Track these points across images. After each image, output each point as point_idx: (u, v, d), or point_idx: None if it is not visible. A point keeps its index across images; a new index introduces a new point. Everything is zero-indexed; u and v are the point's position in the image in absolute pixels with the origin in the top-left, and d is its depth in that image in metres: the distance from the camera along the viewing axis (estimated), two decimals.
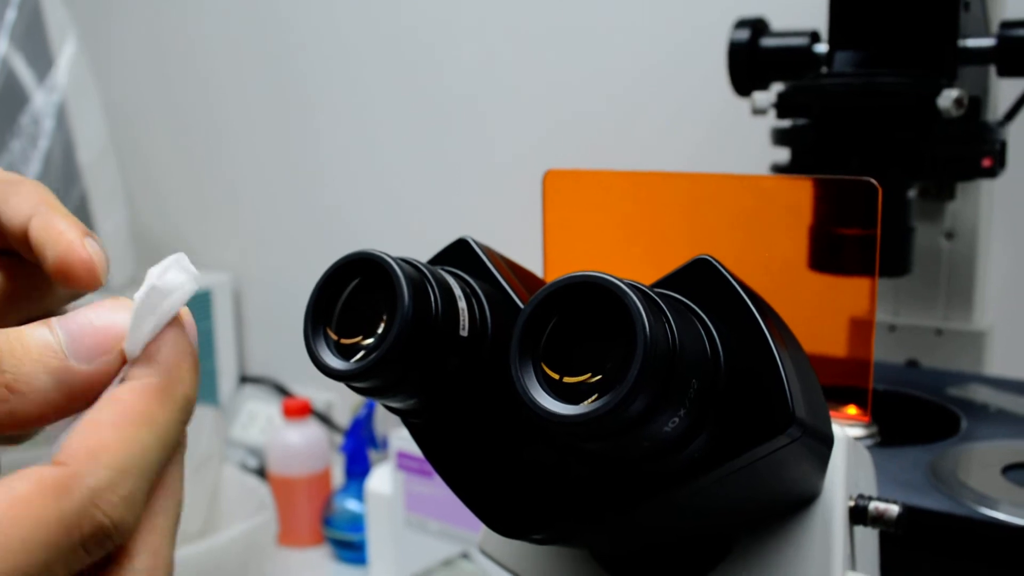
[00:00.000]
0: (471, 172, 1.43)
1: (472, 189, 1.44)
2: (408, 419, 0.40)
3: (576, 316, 0.31)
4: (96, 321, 0.29)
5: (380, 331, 0.34)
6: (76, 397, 0.29)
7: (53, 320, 0.29)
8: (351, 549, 1.25)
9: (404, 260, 0.35)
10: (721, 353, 0.33)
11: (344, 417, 1.53)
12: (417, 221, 1.49)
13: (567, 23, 1.31)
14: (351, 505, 1.26)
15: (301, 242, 1.64)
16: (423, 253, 0.42)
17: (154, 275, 0.30)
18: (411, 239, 1.48)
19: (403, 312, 0.33)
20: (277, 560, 1.21)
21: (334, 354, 0.35)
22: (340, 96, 1.54)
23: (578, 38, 1.30)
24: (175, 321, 0.30)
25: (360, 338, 0.35)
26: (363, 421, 1.33)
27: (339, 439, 1.46)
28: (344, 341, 0.35)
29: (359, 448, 1.30)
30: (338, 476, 1.37)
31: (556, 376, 0.30)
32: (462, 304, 0.36)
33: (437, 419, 0.38)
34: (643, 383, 0.28)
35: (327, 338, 0.35)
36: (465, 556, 1.02)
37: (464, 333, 0.36)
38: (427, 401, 0.37)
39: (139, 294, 0.29)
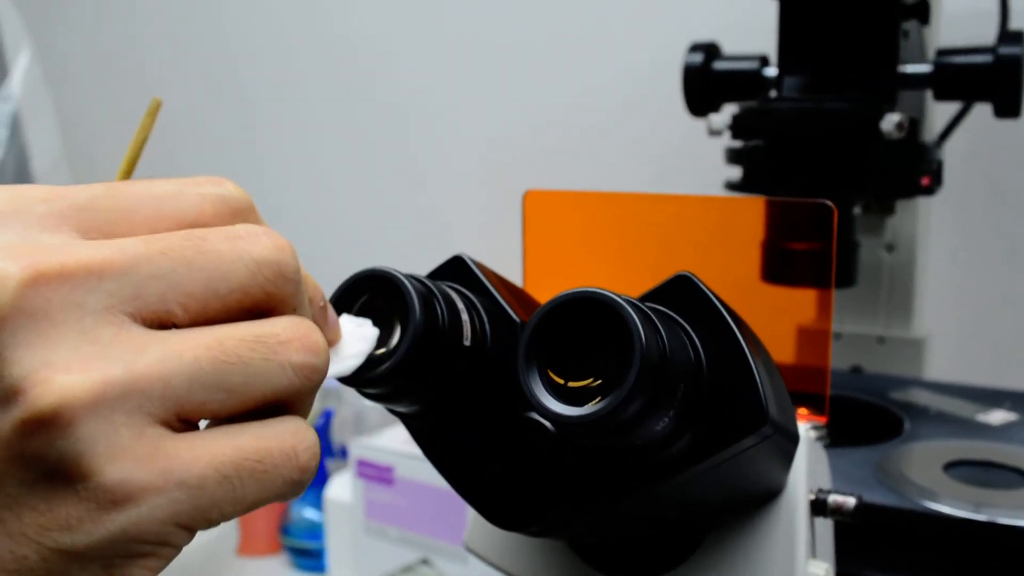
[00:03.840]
0: (437, 188, 1.46)
1: (440, 205, 1.46)
2: (411, 422, 0.43)
3: (575, 327, 0.34)
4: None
5: (392, 341, 0.37)
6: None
7: None
8: (309, 557, 1.27)
9: (411, 276, 0.38)
10: (703, 360, 0.36)
11: None
12: (371, 240, 1.51)
13: (531, 48, 1.34)
14: (308, 513, 1.27)
15: None
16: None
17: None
18: (377, 257, 1.50)
19: (415, 324, 0.36)
20: (234, 569, 1.21)
21: None
22: (299, 112, 1.56)
23: (543, 62, 1.33)
24: None
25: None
26: (320, 431, 1.34)
27: None
28: None
29: None
30: None
31: (561, 381, 0.34)
32: (464, 316, 0.39)
33: (440, 422, 0.41)
34: (640, 387, 0.32)
35: None
36: (425, 562, 1.04)
37: (467, 343, 0.39)
38: (431, 405, 0.40)
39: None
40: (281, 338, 0.28)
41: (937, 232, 1.06)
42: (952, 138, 0.92)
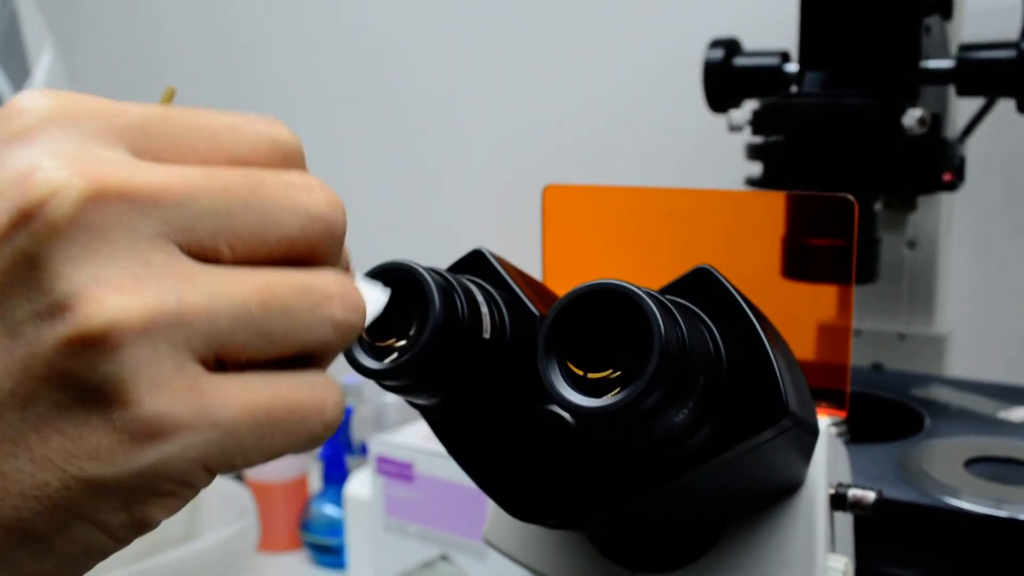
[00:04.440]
0: (454, 185, 1.46)
1: (456, 202, 1.46)
2: (430, 415, 0.43)
3: (594, 319, 0.35)
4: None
5: (412, 334, 0.37)
6: None
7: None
8: (328, 553, 1.27)
9: (432, 269, 0.39)
10: (723, 352, 0.36)
11: None
12: (387, 234, 1.52)
13: (550, 45, 1.34)
14: (328, 510, 1.27)
15: None
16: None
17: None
18: (394, 253, 1.50)
19: (434, 316, 0.36)
20: (255, 565, 1.22)
21: (368, 355, 0.38)
22: (317, 111, 1.56)
23: (563, 58, 1.34)
24: None
25: (393, 340, 0.38)
26: (340, 428, 1.35)
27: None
28: (377, 343, 0.38)
29: (337, 454, 1.32)
30: (315, 482, 1.38)
31: (581, 372, 0.34)
32: (484, 309, 0.39)
33: (458, 414, 0.42)
34: (659, 378, 0.32)
35: (361, 340, 0.38)
36: (444, 558, 1.04)
37: (486, 335, 0.39)
38: (451, 398, 0.40)
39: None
40: (327, 291, 0.27)
41: (959, 229, 1.05)
42: (975, 134, 0.92)
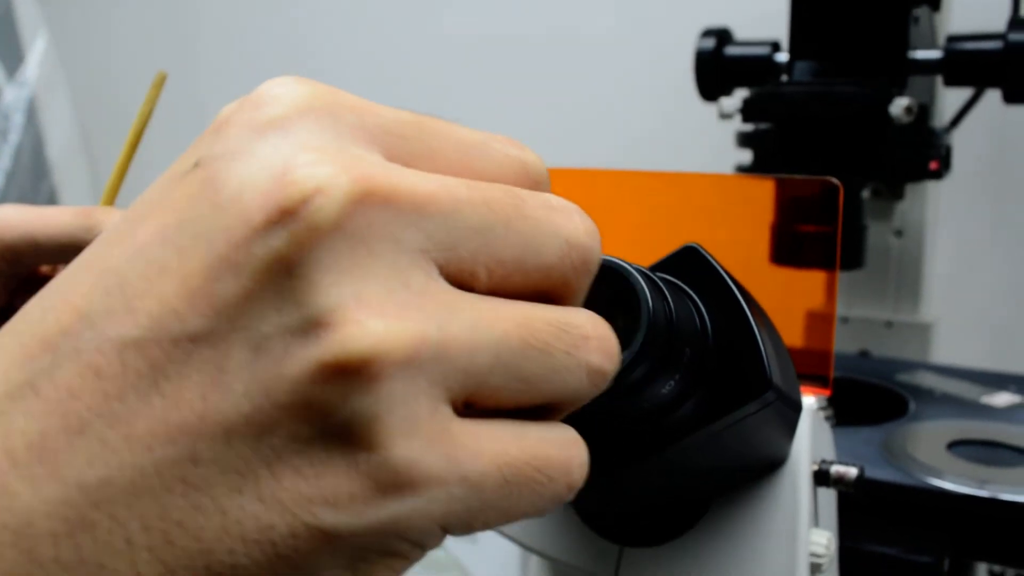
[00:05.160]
0: None
1: None
2: None
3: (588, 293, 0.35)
4: None
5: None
6: None
7: None
8: None
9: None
10: (709, 327, 0.38)
11: None
12: None
13: (545, 35, 1.35)
14: None
15: None
16: None
17: None
18: None
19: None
20: None
21: None
22: None
23: (559, 49, 1.35)
24: None
25: None
26: None
27: None
28: None
29: None
30: None
31: None
32: None
33: None
34: (646, 350, 0.33)
35: None
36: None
37: None
38: None
39: None
40: (584, 332, 0.25)
41: (946, 218, 1.07)
42: (963, 125, 0.93)
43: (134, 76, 1.78)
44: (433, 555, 1.05)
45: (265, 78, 0.25)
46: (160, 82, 0.38)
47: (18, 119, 1.64)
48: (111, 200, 0.41)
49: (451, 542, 1.03)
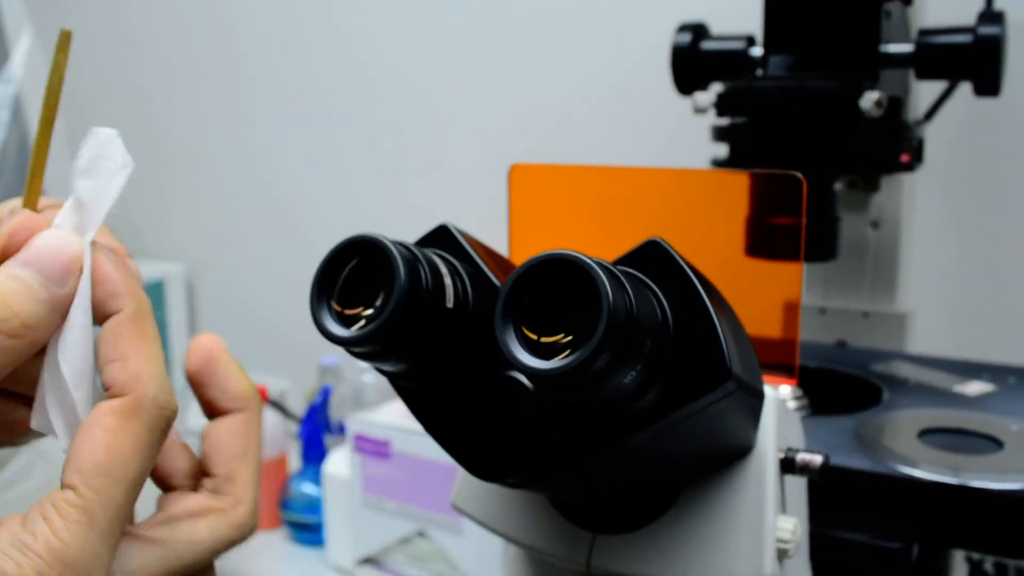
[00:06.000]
0: (423, 166, 1.48)
1: (426, 182, 1.48)
2: (397, 381, 0.45)
3: (550, 287, 0.37)
4: (56, 249, 0.35)
5: (379, 303, 0.39)
6: (63, 314, 0.34)
7: (10, 263, 0.34)
8: (307, 531, 1.29)
9: (398, 243, 0.40)
10: (671, 319, 0.39)
11: (298, 405, 1.56)
12: (365, 213, 1.53)
13: (521, 28, 1.36)
14: (307, 489, 1.29)
15: (256, 234, 1.67)
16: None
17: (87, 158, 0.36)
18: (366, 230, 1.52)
19: (400, 286, 0.38)
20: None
21: (337, 323, 0.40)
22: (296, 91, 1.57)
23: (536, 44, 1.35)
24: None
25: (360, 309, 0.40)
26: (319, 408, 1.36)
27: (293, 426, 1.49)
28: (346, 312, 0.40)
29: (315, 433, 1.33)
30: (294, 461, 1.40)
31: (535, 337, 0.36)
32: (448, 280, 0.41)
33: (425, 380, 0.44)
34: (606, 342, 0.34)
35: (331, 309, 0.40)
36: (421, 534, 1.06)
37: (450, 305, 0.41)
38: (417, 364, 0.42)
39: (83, 191, 0.36)
40: None
41: (921, 209, 1.08)
42: (940, 118, 0.94)
43: (122, 72, 1.78)
44: (419, 547, 1.06)
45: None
46: (65, 42, 0.37)
47: (3, 116, 1.64)
48: (35, 186, 0.40)
49: (436, 534, 1.04)
